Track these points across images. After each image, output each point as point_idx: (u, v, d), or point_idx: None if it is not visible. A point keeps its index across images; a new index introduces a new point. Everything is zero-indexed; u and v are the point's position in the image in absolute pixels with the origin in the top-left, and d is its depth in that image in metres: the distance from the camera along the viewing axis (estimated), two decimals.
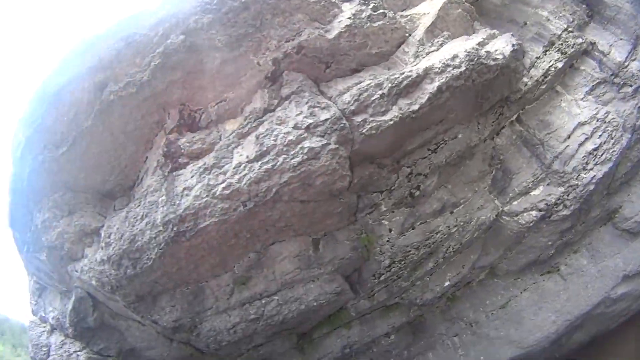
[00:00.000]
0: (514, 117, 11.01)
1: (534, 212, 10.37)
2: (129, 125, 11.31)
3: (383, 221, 10.55)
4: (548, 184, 10.43)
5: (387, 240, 10.53)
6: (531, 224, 10.41)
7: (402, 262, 10.66)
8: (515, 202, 10.61)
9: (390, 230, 10.49)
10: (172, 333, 11.65)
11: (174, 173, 10.66)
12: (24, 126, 12.49)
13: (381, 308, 11.87)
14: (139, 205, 10.89)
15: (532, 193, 10.55)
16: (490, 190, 10.74)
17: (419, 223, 10.54)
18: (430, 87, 9.43)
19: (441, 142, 10.40)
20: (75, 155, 11.78)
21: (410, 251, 10.51)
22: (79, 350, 13.87)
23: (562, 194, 10.30)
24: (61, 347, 14.50)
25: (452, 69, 9.47)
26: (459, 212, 10.58)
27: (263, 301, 11.14)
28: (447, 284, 11.14)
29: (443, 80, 9.37)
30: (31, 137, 12.08)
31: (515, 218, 10.53)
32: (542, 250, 10.92)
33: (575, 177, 10.24)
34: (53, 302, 14.95)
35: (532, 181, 10.60)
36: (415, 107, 9.43)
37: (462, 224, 10.47)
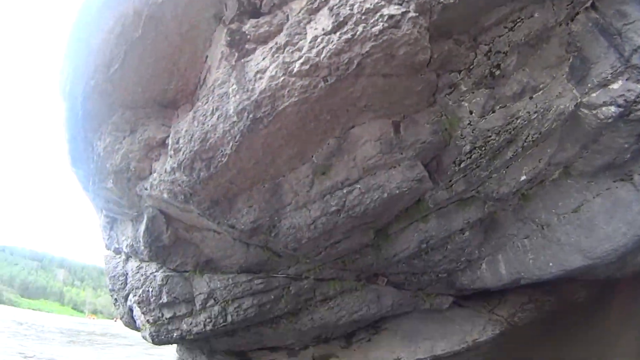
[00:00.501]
0: (589, 2, 8.97)
1: (612, 108, 8.76)
2: (184, 25, 9.92)
3: (463, 103, 9.16)
4: (627, 79, 8.67)
5: (469, 123, 9.19)
6: (609, 120, 8.85)
7: (483, 149, 9.41)
8: (594, 94, 8.96)
9: (470, 113, 9.13)
10: (249, 236, 10.59)
11: (242, 60, 9.36)
12: (69, 58, 11.40)
13: (457, 202, 10.72)
14: (207, 102, 9.66)
15: (611, 86, 8.82)
16: (568, 78, 9.06)
17: (499, 107, 9.16)
18: None
19: (518, 20, 8.83)
20: (129, 70, 10.55)
21: (490, 136, 9.24)
22: (155, 271, 13.20)
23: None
24: (137, 272, 13.84)
25: None
26: (539, 98, 9.11)
27: (344, 190, 9.87)
28: (523, 178, 9.92)
29: None
30: (78, 66, 11.02)
31: (594, 111, 8.95)
32: (618, 153, 9.37)
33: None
34: (125, 231, 14.07)
35: (611, 73, 8.78)
36: None
37: (541, 110, 9.06)
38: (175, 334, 13.54)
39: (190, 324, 13.10)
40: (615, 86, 8.77)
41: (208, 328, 12.69)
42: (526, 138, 9.33)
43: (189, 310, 13.03)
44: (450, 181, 10.28)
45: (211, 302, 12.52)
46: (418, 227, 11.20)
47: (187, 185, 9.78)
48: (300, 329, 13.43)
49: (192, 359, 16.45)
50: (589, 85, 8.98)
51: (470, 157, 9.62)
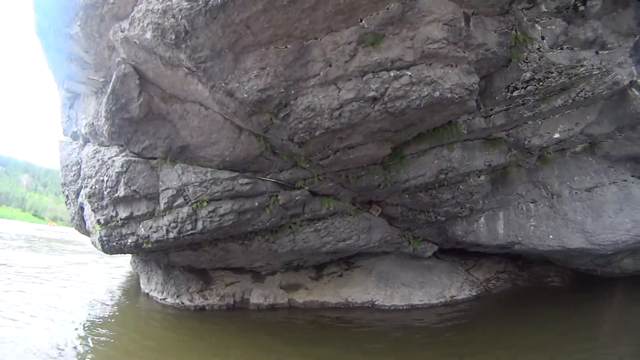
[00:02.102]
0: None
1: None
2: None
3: (537, 26, 6.61)
4: None
5: (538, 48, 6.70)
6: None
7: (540, 83, 7.02)
8: None
9: (542, 38, 6.65)
10: (249, 114, 6.66)
11: None
12: None
13: (484, 140, 8.24)
14: None
15: None
16: (631, 53, 7.13)
17: (568, 46, 6.86)
18: None
19: None
20: None
21: (552, 73, 6.91)
22: (114, 156, 8.89)
23: None
24: (93, 157, 9.47)
25: None
26: (604, 57, 7.02)
27: (392, 74, 6.16)
28: (556, 135, 7.98)
29: None
30: None
31: None
32: None
33: None
34: (87, 109, 9.77)
35: None
36: None
37: (603, 70, 7.03)
38: (129, 241, 9.39)
39: (150, 228, 8.94)
40: None
41: (171, 235, 8.66)
42: (580, 92, 7.28)
43: (151, 210, 8.85)
44: (492, 110, 7.53)
45: (180, 201, 8.41)
46: (442, 153, 8.17)
47: (185, 16, 5.67)
48: (275, 251, 9.70)
49: (147, 273, 12.20)
50: None
51: (525, 88, 7.11)
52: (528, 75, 6.97)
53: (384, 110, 6.41)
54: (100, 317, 9.67)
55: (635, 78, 7.34)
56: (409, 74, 6.17)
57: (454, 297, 10.31)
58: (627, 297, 9.11)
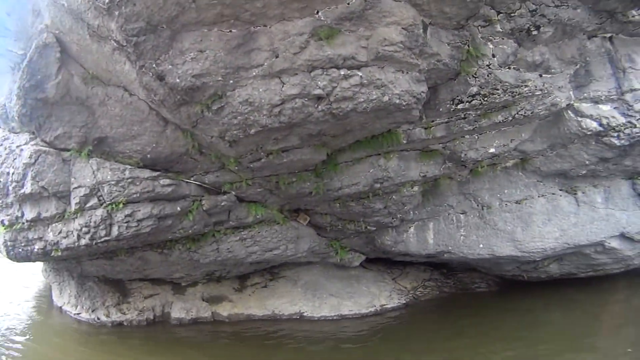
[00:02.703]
0: (609, 35, 7.93)
1: (595, 124, 7.91)
2: None
3: (490, 44, 6.77)
4: (616, 108, 8.02)
5: (488, 65, 6.82)
6: (588, 132, 7.95)
7: (485, 99, 7.08)
8: (585, 104, 7.98)
9: (493, 56, 6.80)
10: (179, 104, 6.07)
11: None
12: None
13: (419, 151, 8.15)
14: None
15: (601, 106, 8.01)
16: (571, 80, 7.74)
17: (515, 67, 7.10)
18: None
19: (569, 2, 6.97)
20: None
21: (498, 90, 7.03)
22: (24, 144, 7.89)
23: (620, 125, 8.01)
24: (1, 145, 8.37)
25: None
26: (546, 80, 7.37)
27: (342, 72, 5.79)
28: (492, 150, 8.12)
29: None
30: None
31: (579, 119, 7.92)
32: (576, 166, 8.53)
33: (635, 120, 7.98)
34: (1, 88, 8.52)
35: (606, 96, 8.01)
36: None
37: (544, 92, 7.30)
38: (36, 247, 8.25)
39: (60, 232, 7.89)
40: (604, 108, 8.02)
41: (83, 242, 7.67)
42: (520, 110, 7.45)
43: (60, 212, 7.82)
44: (433, 121, 7.50)
45: (93, 202, 7.49)
46: (378, 162, 7.93)
47: None
48: (197, 261, 8.92)
49: (59, 284, 10.87)
50: (585, 95, 7.99)
51: (470, 102, 7.10)
52: (474, 89, 6.91)
53: (328, 111, 6.03)
54: (8, 332, 8.67)
55: (571, 102, 7.78)
56: (360, 74, 5.82)
57: (384, 306, 10.09)
58: (550, 300, 9.50)
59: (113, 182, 7.21)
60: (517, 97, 7.22)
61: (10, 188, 7.97)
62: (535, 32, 6.90)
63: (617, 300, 9.29)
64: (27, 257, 8.70)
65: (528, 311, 9.19)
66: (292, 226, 9.01)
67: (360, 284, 10.36)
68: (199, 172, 7.58)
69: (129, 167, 7.28)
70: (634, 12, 7.53)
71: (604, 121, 7.91)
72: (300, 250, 9.20)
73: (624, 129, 8.00)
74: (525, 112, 7.51)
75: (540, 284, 10.24)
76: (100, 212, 7.36)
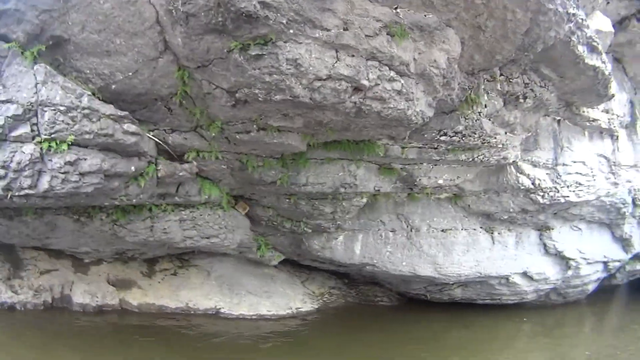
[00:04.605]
0: (558, 118, 9.39)
1: (529, 181, 8.96)
2: None
3: (486, 96, 7.42)
4: (547, 174, 9.21)
5: (479, 112, 7.43)
6: (521, 187, 8.96)
7: (464, 138, 7.51)
8: (525, 165, 9.01)
9: (485, 107, 7.42)
10: (210, 28, 4.77)
11: None
12: None
13: (379, 166, 8.06)
14: None
15: (537, 169, 9.14)
16: (522, 143, 8.63)
17: (493, 120, 7.73)
18: None
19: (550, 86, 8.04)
20: None
21: (475, 134, 7.54)
22: None
23: (547, 188, 9.22)
24: None
25: None
26: (508, 137, 8.14)
27: (391, 74, 5.42)
28: (440, 181, 8.48)
29: None
30: None
31: (518, 174, 8.89)
32: (501, 210, 9.44)
33: (560, 187, 9.34)
34: None
35: (543, 163, 9.18)
36: None
37: (504, 146, 8.07)
38: None
39: None
40: (540, 171, 9.16)
41: None
42: (480, 155, 7.99)
43: None
44: (410, 143, 7.52)
45: (24, 130, 5.04)
46: (349, 167, 7.55)
47: None
48: (121, 238, 7.11)
49: None
50: (528, 157, 8.96)
51: (451, 137, 7.43)
52: (460, 128, 7.22)
53: (358, 105, 5.37)
54: None
55: (517, 160, 8.59)
56: (402, 82, 5.43)
57: (299, 309, 9.54)
58: (450, 320, 10.18)
59: (62, 108, 5.04)
60: (484, 144, 7.76)
61: None
62: (521, 100, 7.64)
63: (508, 326, 10.35)
64: None
65: (429, 328, 9.67)
66: (233, 214, 7.89)
67: (277, 284, 9.64)
68: (164, 127, 6.08)
69: (88, 93, 5.26)
70: (585, 108, 9.16)
71: (536, 182, 8.98)
72: (235, 241, 8.07)
73: (549, 191, 9.22)
74: (482, 158, 8.08)
75: (439, 305, 10.81)
76: (29, 150, 5.07)
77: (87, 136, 5.20)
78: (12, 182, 5.12)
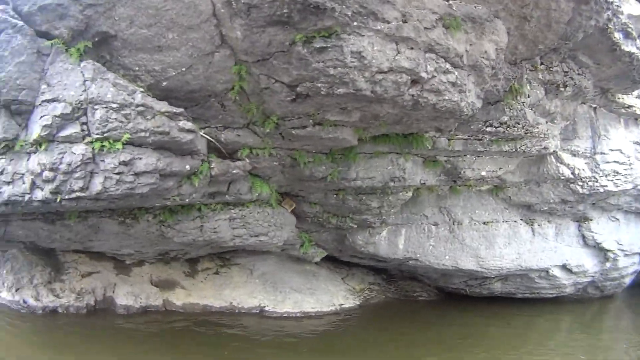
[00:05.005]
0: (594, 106, 9.41)
1: (568, 171, 8.98)
2: None
3: (529, 86, 7.49)
4: (586, 163, 9.24)
5: (523, 102, 7.42)
6: (561, 177, 8.98)
7: (508, 129, 7.56)
8: (565, 154, 9.01)
9: (527, 96, 7.47)
10: (273, 20, 4.63)
11: None
12: None
13: (424, 159, 8.00)
14: None
15: (576, 158, 9.14)
16: (561, 132, 8.63)
17: (535, 109, 7.79)
18: None
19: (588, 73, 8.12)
20: None
21: (519, 124, 7.58)
22: None
23: (587, 177, 9.21)
24: None
25: None
26: (549, 126, 8.15)
27: (447, 65, 5.51)
28: (483, 173, 8.46)
29: None
30: None
31: (558, 164, 8.90)
32: (542, 202, 9.46)
33: (598, 176, 9.33)
34: None
35: (582, 152, 9.19)
36: None
37: (545, 136, 8.09)
38: None
39: (1, 173, 5.05)
40: (579, 161, 9.10)
41: (39, 196, 5.01)
42: (522, 145, 7.98)
43: (10, 137, 4.95)
44: (456, 135, 7.52)
45: (73, 130, 4.91)
46: (398, 160, 7.46)
47: None
48: (169, 238, 6.92)
49: None
50: (567, 147, 8.98)
51: (496, 128, 7.47)
52: (505, 118, 7.24)
53: (415, 97, 5.25)
54: None
55: (557, 149, 8.54)
56: (456, 74, 5.39)
57: (342, 306, 9.45)
58: (489, 315, 10.04)
59: (114, 106, 4.78)
60: (527, 134, 7.77)
61: None
62: (562, 89, 7.68)
63: (546, 320, 10.15)
64: None
65: (470, 323, 9.53)
66: (281, 212, 7.82)
67: (319, 281, 9.57)
68: (216, 124, 5.92)
69: (140, 90, 4.99)
70: (620, 94, 9.09)
71: (576, 171, 8.98)
72: (282, 238, 8.01)
73: (588, 181, 9.23)
74: (525, 148, 8.05)
75: (477, 299, 10.71)
76: (80, 150, 4.80)
77: (142, 134, 4.95)
78: (62, 185, 4.87)
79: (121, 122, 4.85)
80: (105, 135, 4.82)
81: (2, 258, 7.61)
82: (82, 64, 4.82)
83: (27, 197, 5.01)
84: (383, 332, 8.72)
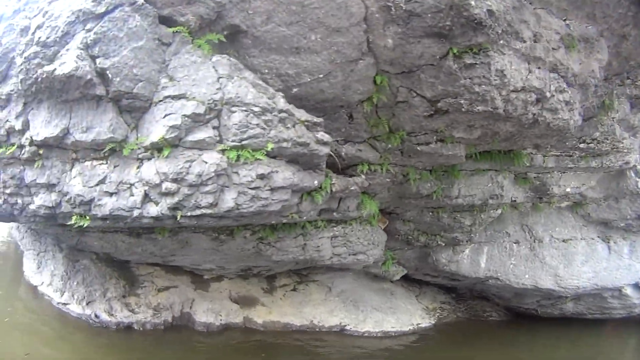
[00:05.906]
0: None
1: None
2: None
3: (618, 101, 7.73)
4: None
5: (613, 118, 7.65)
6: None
7: (597, 144, 7.73)
8: None
9: (617, 112, 7.71)
10: (433, 33, 4.79)
11: None
12: None
13: (515, 176, 8.05)
14: None
15: None
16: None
17: (620, 124, 7.81)
18: None
19: None
20: None
21: (607, 140, 7.71)
22: None
23: None
24: None
25: None
26: (633, 141, 8.14)
27: (564, 84, 5.82)
28: (568, 189, 8.50)
29: None
30: None
31: (638, 180, 8.56)
32: (619, 218, 9.10)
33: None
34: None
35: None
36: None
37: (628, 151, 8.06)
38: (37, 204, 5.01)
39: (104, 182, 4.48)
40: None
41: (152, 211, 4.38)
42: (607, 161, 7.96)
43: (120, 138, 4.39)
44: (550, 152, 7.62)
45: (205, 135, 4.33)
46: (497, 177, 7.45)
47: None
48: (267, 256, 6.52)
49: (37, 255, 7.71)
50: None
51: (588, 144, 7.59)
52: (597, 134, 7.29)
53: (536, 116, 5.39)
54: None
55: (637, 164, 8.36)
56: (569, 93, 5.51)
57: (419, 325, 9.20)
58: (559, 336, 9.77)
59: (256, 110, 4.18)
60: (613, 149, 7.70)
61: (19, 62, 4.18)
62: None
63: (615, 340, 10.05)
64: (11, 217, 5.29)
65: (540, 344, 9.42)
66: (377, 229, 7.71)
67: (398, 300, 9.35)
68: (338, 137, 5.59)
69: (281, 94, 4.51)
70: None
71: None
72: (375, 257, 7.93)
73: None
74: (610, 163, 7.98)
75: (546, 320, 10.47)
76: (214, 159, 4.13)
77: (284, 144, 4.37)
78: (185, 200, 4.14)
79: (263, 129, 4.25)
80: (243, 143, 4.20)
81: (72, 268, 7.25)
82: (214, 58, 4.23)
83: (136, 212, 4.28)
84: (458, 352, 8.56)
